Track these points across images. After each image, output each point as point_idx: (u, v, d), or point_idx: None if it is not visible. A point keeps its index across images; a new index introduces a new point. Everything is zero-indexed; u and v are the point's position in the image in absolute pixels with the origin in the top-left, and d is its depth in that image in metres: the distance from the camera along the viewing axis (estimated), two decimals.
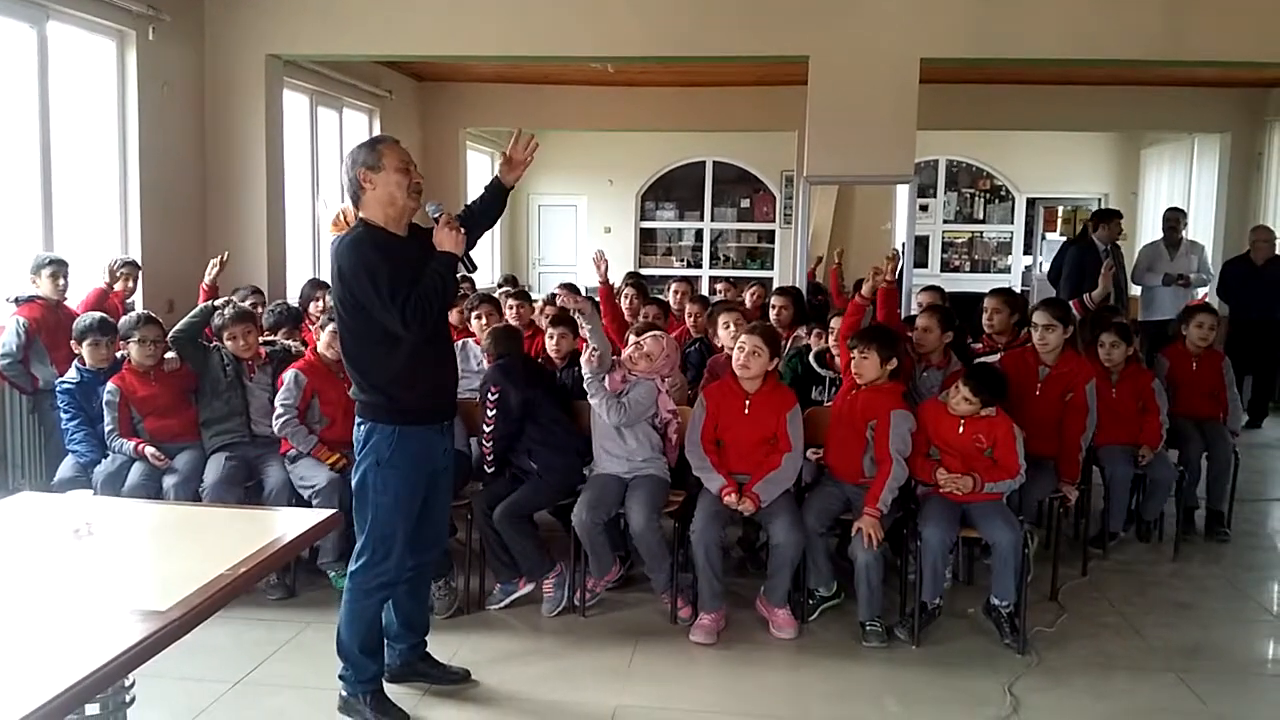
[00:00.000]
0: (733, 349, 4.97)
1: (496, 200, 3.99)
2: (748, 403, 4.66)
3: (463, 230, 3.59)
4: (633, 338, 4.94)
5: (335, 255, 3.54)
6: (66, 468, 5.06)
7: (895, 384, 4.75)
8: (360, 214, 3.60)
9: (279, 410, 4.92)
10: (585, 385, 4.67)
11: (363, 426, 3.61)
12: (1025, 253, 14.90)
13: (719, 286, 8.14)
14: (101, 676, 1.98)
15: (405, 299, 3.39)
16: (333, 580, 4.91)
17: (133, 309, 6.02)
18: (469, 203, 4.04)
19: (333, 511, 3.18)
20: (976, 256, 15.13)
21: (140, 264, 6.51)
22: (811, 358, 5.54)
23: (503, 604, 4.82)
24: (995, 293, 6.20)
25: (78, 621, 2.26)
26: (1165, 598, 5.17)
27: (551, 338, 5.37)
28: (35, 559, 2.65)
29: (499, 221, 4.15)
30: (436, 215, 3.64)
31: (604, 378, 4.67)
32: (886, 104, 7.39)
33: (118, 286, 6.18)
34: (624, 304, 6.87)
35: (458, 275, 3.61)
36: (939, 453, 4.61)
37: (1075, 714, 3.90)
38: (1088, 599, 5.07)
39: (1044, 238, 14.77)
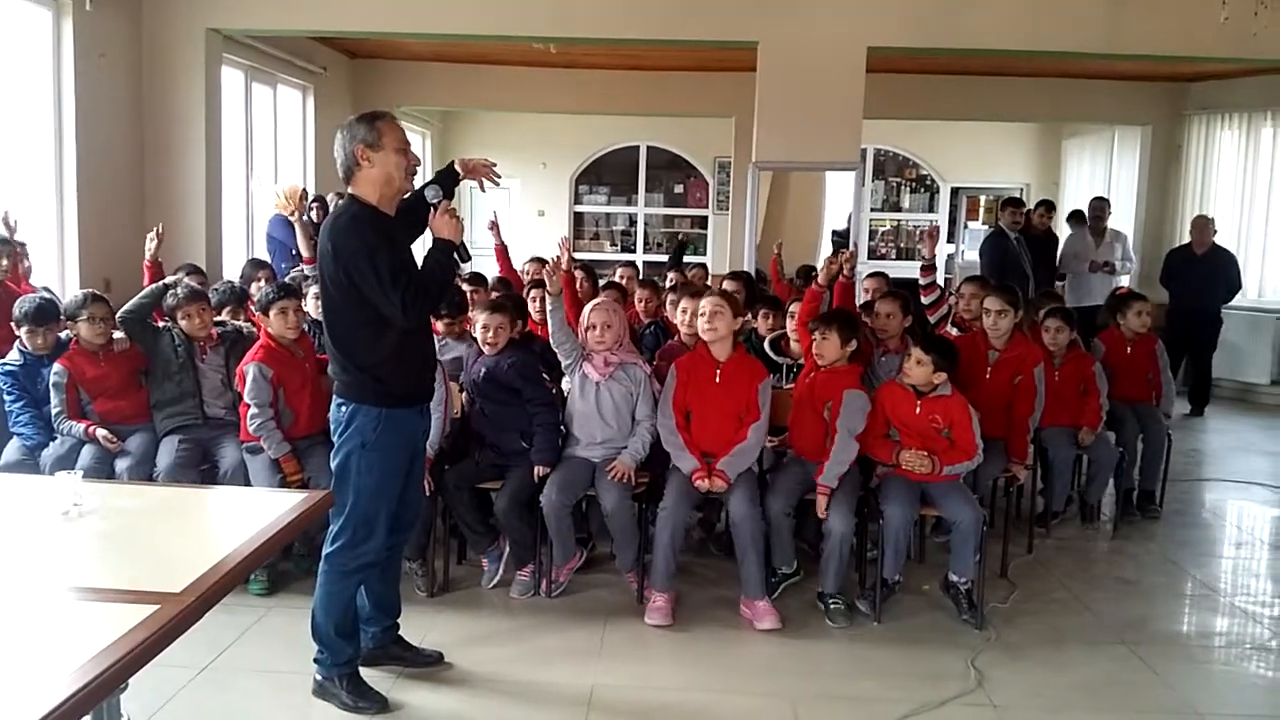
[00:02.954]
0: (688, 333, 5.06)
1: (450, 180, 3.94)
2: (719, 372, 4.68)
3: (461, 219, 3.56)
4: (583, 318, 4.90)
5: (330, 233, 3.47)
6: (12, 451, 4.90)
7: (853, 366, 4.84)
8: (350, 190, 3.54)
9: (253, 410, 4.75)
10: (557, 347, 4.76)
11: (345, 408, 3.56)
12: (949, 241, 15.16)
13: (671, 275, 8.15)
14: (129, 662, 1.95)
15: (406, 287, 3.36)
16: (248, 583, 4.70)
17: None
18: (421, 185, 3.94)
19: (325, 491, 3.15)
20: (901, 244, 15.36)
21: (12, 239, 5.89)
22: (766, 345, 5.60)
23: (494, 582, 4.83)
24: (889, 295, 5.74)
25: (89, 607, 2.21)
26: (1108, 574, 5.37)
27: (487, 328, 4.87)
28: (29, 542, 2.59)
29: None
30: (436, 201, 3.61)
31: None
32: (834, 91, 7.49)
33: None
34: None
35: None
36: (898, 435, 4.70)
37: (1037, 687, 4.02)
38: (1036, 575, 5.24)
39: (966, 226, 15.06)
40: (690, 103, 11.79)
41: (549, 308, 4.73)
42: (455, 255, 3.57)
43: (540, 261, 7.48)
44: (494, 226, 7.10)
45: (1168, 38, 7.58)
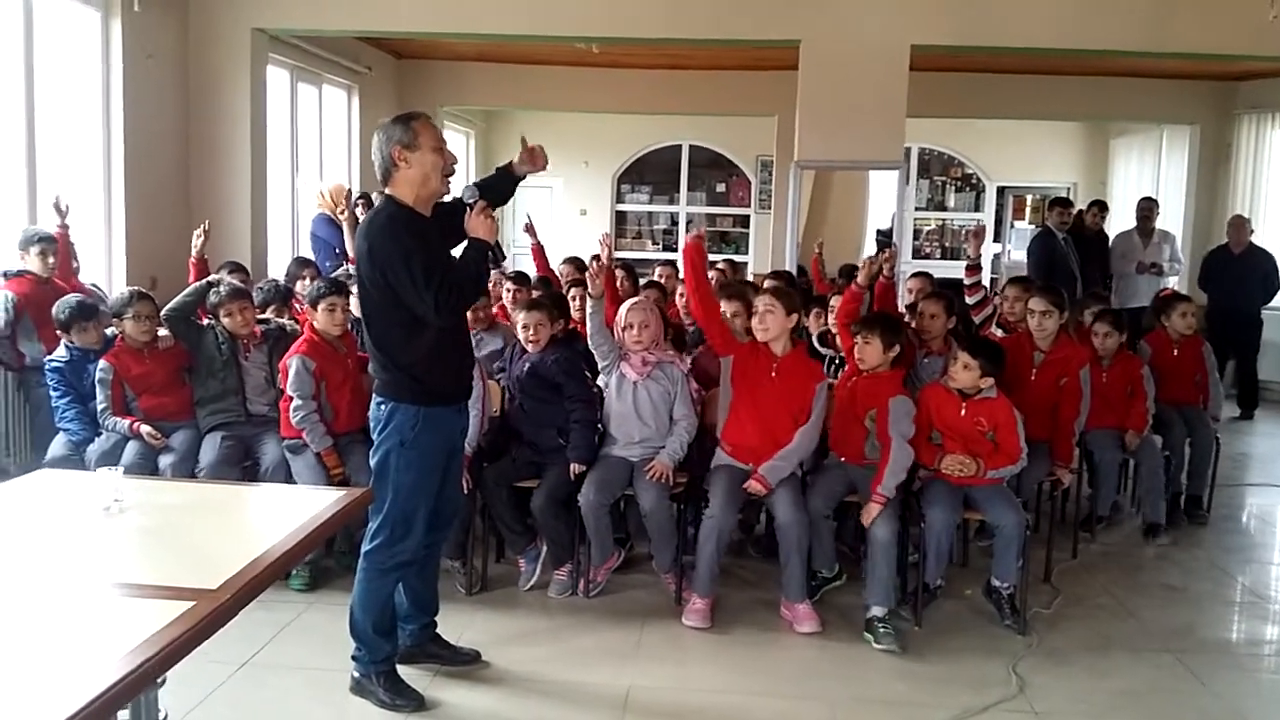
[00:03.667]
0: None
1: (504, 185, 3.92)
2: (775, 367, 4.62)
3: (496, 219, 3.56)
4: (620, 317, 4.89)
5: (366, 234, 3.49)
6: (58, 446, 4.99)
7: (895, 371, 4.77)
8: (388, 191, 3.55)
9: (296, 402, 4.78)
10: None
11: (384, 406, 3.58)
12: (994, 240, 15.01)
13: (719, 265, 8.15)
14: (164, 657, 1.96)
15: (439, 287, 3.36)
16: (289, 579, 4.75)
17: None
18: (477, 180, 3.96)
19: (364, 489, 3.16)
20: (946, 244, 15.24)
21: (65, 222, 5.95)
22: (815, 339, 5.57)
23: (531, 583, 4.83)
24: (933, 296, 5.64)
25: (127, 602, 2.23)
26: (1154, 580, 5.27)
27: (527, 327, 4.89)
28: (70, 537, 2.62)
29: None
30: (472, 201, 3.60)
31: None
32: (877, 90, 7.43)
33: (34, 267, 5.60)
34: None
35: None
36: (941, 437, 4.65)
37: (1079, 694, 3.97)
38: (1080, 581, 5.16)
39: (1013, 226, 14.91)
40: (732, 102, 11.74)
41: (589, 310, 4.73)
42: (490, 255, 3.57)
43: (575, 263, 7.52)
44: (530, 228, 7.21)
45: (1214, 35, 7.45)
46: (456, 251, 3.68)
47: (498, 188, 3.90)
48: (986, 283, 6.76)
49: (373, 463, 3.62)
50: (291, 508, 2.83)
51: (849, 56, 7.42)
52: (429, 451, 3.58)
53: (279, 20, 7.76)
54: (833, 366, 5.40)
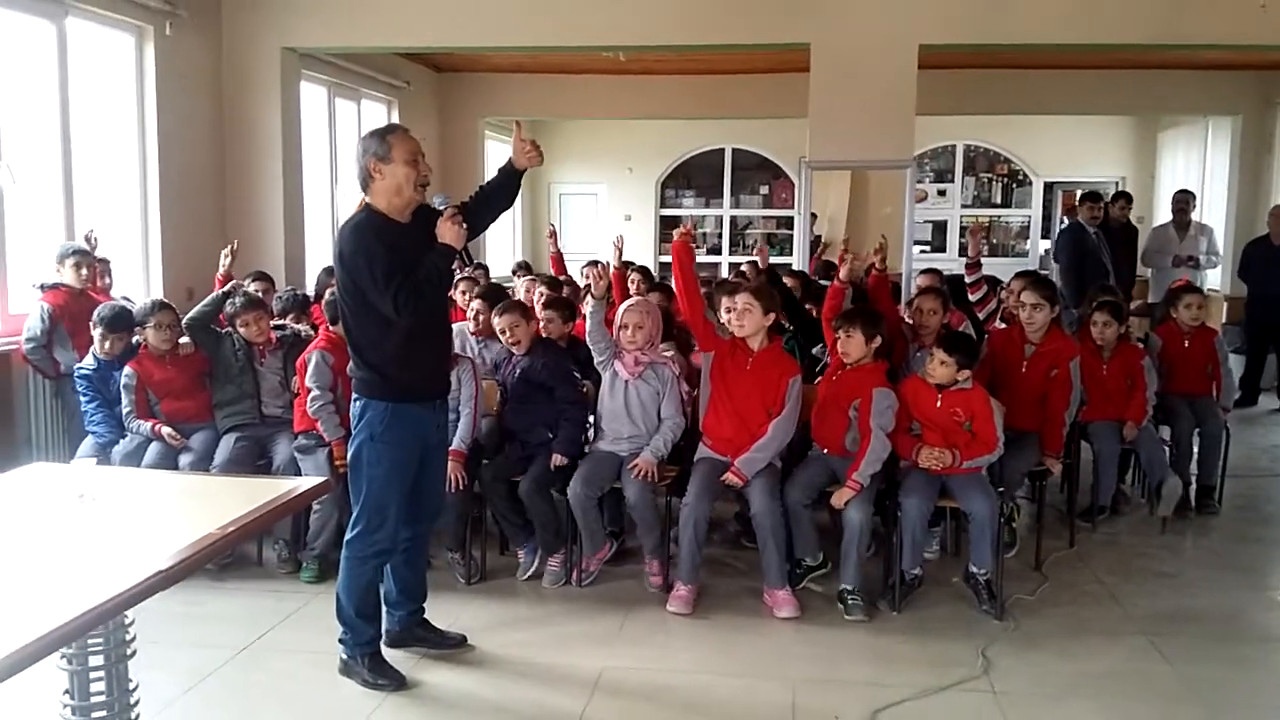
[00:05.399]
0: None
1: (509, 182, 4.04)
2: (751, 360, 4.79)
3: (465, 225, 3.75)
4: (617, 318, 5.06)
5: (337, 239, 3.74)
6: (86, 448, 5.30)
7: (879, 363, 4.90)
8: (366, 199, 3.77)
9: (314, 392, 4.99)
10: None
11: (358, 402, 3.82)
12: (1044, 236, 14.91)
13: (744, 267, 8.35)
14: (100, 613, 2.17)
15: (399, 287, 3.57)
16: (300, 571, 5.07)
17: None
18: (482, 184, 4.13)
19: (323, 479, 3.38)
20: (995, 240, 15.16)
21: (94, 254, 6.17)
22: None
23: (529, 573, 5.02)
24: (930, 292, 5.80)
25: (78, 572, 2.45)
26: (1148, 568, 5.30)
27: (504, 331, 5.12)
28: (40, 522, 2.85)
29: (517, 208, 4.24)
30: (443, 207, 3.81)
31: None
32: (886, 90, 7.51)
33: (69, 279, 5.87)
34: (631, 290, 7.04)
35: (453, 267, 3.80)
36: (920, 428, 4.75)
37: (1043, 674, 4.05)
38: (1071, 569, 5.22)
39: (1062, 221, 14.79)
40: (767, 105, 11.81)
41: (590, 309, 4.91)
42: (460, 258, 3.78)
43: (598, 265, 7.70)
44: (552, 235, 7.55)
45: (1237, 25, 7.37)
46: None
47: (503, 188, 4.05)
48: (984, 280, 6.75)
49: (349, 456, 3.86)
50: (252, 495, 3.03)
51: (858, 58, 7.51)
52: (398, 446, 3.79)
53: (308, 39, 8.05)
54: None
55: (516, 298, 5.66)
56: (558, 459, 4.84)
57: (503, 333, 5.07)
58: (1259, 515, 6.31)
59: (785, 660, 4.20)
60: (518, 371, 5.07)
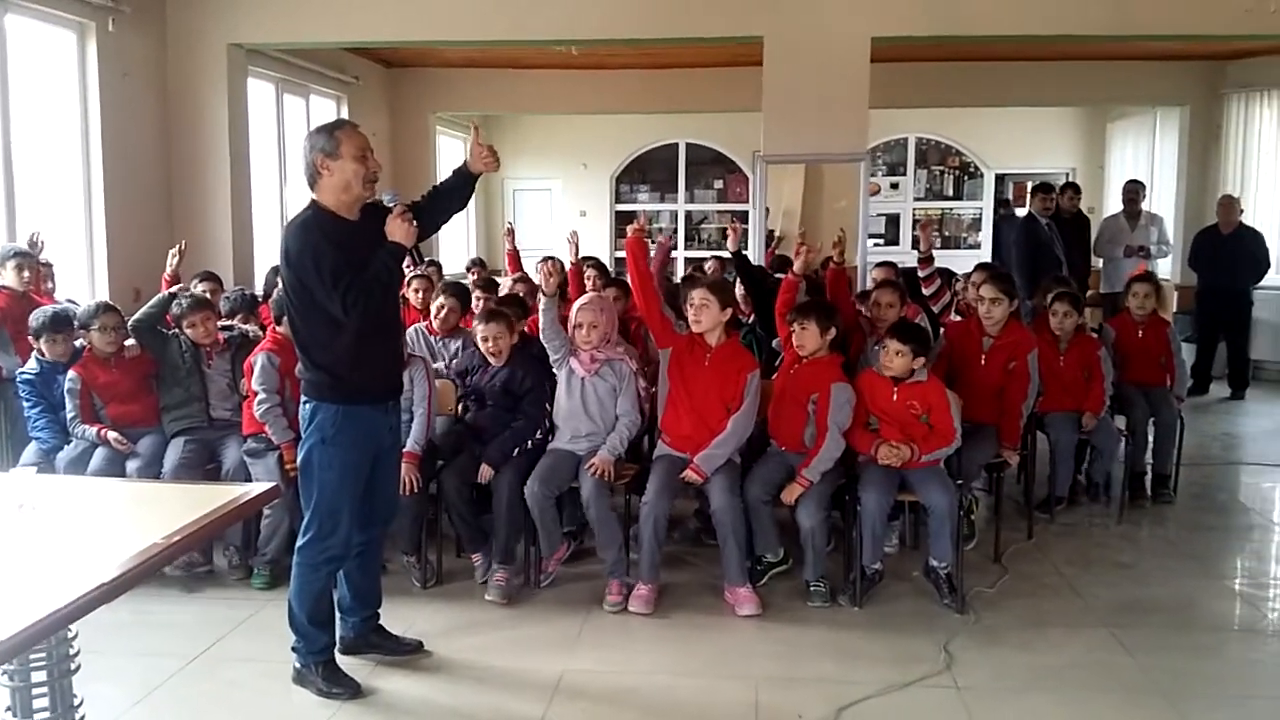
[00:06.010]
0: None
1: (463, 185, 3.99)
2: (708, 356, 4.75)
3: (414, 223, 3.67)
4: (571, 317, 4.98)
5: (284, 237, 3.64)
6: (29, 454, 5.15)
7: (834, 355, 4.89)
8: (313, 196, 3.68)
9: (260, 396, 4.89)
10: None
11: (308, 405, 3.72)
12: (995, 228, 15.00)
13: (707, 266, 8.33)
14: (40, 629, 2.07)
15: (347, 287, 3.49)
16: (252, 578, 4.96)
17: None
18: (436, 184, 4.07)
19: (272, 484, 3.29)
20: (947, 233, 15.23)
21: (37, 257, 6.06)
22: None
23: (486, 577, 4.90)
24: (887, 285, 5.78)
25: (20, 584, 2.36)
26: (1107, 558, 5.32)
27: (487, 339, 5.01)
28: None
29: (471, 205, 4.16)
30: (392, 204, 3.73)
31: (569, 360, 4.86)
32: (839, 83, 7.51)
33: (10, 282, 5.76)
34: (587, 286, 6.98)
35: (404, 266, 3.72)
36: (878, 423, 4.74)
37: (1005, 668, 4.04)
38: (1031, 560, 5.23)
39: (998, 213, 14.88)
40: (721, 99, 11.73)
41: (542, 306, 4.84)
42: (410, 256, 3.70)
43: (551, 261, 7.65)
44: (509, 233, 7.56)
45: (1183, 15, 7.45)
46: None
47: (457, 190, 3.99)
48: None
49: (299, 460, 3.76)
50: (198, 503, 2.94)
51: (811, 51, 7.50)
52: (350, 449, 3.70)
53: (255, 35, 7.92)
54: None
55: (499, 308, 5.49)
56: (486, 470, 4.81)
57: (484, 340, 4.99)
58: (1213, 504, 6.36)
59: (748, 659, 4.17)
60: (501, 381, 5.02)
